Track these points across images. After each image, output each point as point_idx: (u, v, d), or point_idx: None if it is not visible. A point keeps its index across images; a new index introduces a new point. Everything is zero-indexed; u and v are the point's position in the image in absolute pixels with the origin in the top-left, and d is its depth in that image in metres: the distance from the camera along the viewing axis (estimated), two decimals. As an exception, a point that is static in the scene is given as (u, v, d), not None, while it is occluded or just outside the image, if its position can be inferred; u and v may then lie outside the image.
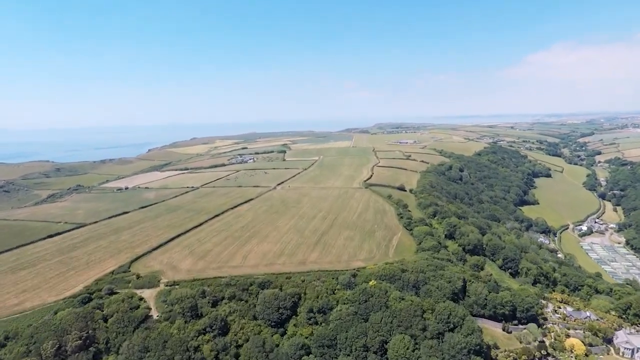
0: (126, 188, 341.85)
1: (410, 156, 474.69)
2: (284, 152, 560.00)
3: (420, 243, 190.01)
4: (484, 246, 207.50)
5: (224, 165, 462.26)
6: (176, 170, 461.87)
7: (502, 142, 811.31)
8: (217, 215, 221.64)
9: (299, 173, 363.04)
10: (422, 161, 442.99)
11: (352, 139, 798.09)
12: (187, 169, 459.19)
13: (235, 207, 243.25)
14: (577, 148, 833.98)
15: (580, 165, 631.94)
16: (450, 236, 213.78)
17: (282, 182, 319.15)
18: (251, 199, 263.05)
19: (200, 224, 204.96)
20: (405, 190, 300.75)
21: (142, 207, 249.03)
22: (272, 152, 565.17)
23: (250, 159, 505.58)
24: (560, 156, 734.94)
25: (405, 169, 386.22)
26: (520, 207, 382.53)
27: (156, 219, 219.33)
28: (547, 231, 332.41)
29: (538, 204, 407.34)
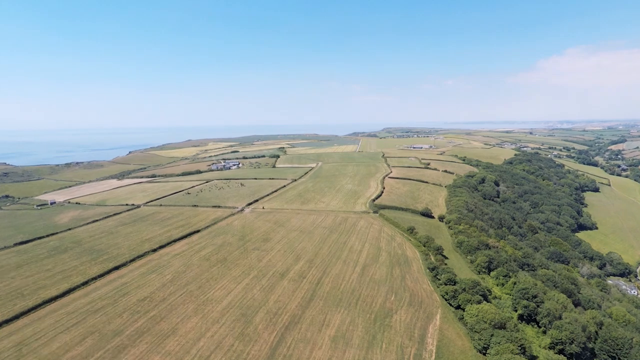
0: (52, 203, 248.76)
1: (429, 164, 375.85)
2: (278, 156, 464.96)
3: (485, 348, 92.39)
4: (595, 341, 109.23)
5: (199, 172, 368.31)
6: (141, 177, 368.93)
7: (525, 148, 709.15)
8: (117, 268, 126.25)
9: (284, 186, 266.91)
10: (446, 171, 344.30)
11: (359, 142, 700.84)
12: (154, 177, 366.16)
13: (164, 246, 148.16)
14: (612, 156, 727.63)
15: (625, 176, 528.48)
16: (530, 317, 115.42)
17: (256, 201, 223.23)
18: (197, 231, 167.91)
19: (69, 291, 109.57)
20: (433, 217, 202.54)
21: (22, 243, 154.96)
22: (263, 156, 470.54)
23: (234, 165, 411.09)
24: (596, 165, 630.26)
25: (427, 182, 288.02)
26: (577, 233, 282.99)
27: (9, 273, 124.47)
28: (626, 272, 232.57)
29: (597, 228, 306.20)
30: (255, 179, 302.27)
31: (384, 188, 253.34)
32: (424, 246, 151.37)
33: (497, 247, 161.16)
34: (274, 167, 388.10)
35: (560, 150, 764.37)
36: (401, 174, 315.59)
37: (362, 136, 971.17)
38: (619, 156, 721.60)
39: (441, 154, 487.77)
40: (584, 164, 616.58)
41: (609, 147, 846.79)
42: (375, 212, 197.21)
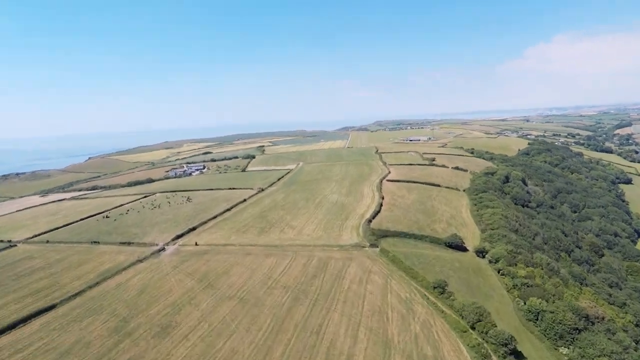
0: None
1: (434, 160, 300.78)
2: (253, 157, 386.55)
3: None
4: None
5: (150, 181, 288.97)
6: (75, 191, 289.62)
7: (529, 136, 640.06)
8: None
9: (244, 200, 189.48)
10: (457, 168, 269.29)
11: (348, 137, 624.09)
12: (95, 189, 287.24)
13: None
14: (623, 141, 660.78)
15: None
16: None
17: (193, 229, 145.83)
18: (53, 306, 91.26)
19: None
20: (464, 248, 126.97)
21: None
22: (235, 157, 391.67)
23: (197, 170, 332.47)
24: (611, 152, 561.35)
25: (438, 185, 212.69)
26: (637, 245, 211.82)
27: None
28: None
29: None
30: (211, 189, 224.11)
31: (382, 198, 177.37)
32: (473, 329, 76.18)
33: (599, 316, 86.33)
34: (243, 170, 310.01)
35: (566, 137, 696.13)
36: (402, 174, 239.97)
37: (352, 130, 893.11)
38: (630, 141, 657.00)
39: (443, 147, 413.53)
40: (597, 150, 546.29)
41: (615, 132, 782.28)
42: (373, 244, 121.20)
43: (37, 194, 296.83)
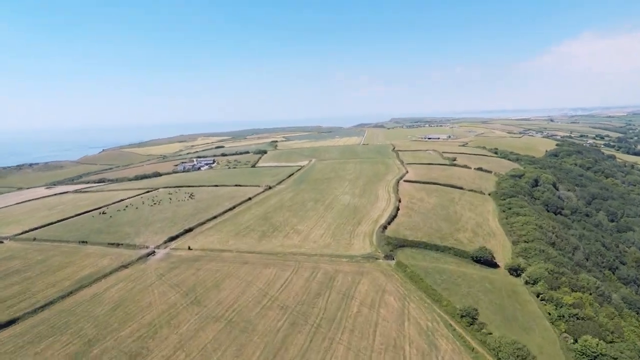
0: None
1: (455, 160, 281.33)
2: (264, 152, 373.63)
3: None
4: None
5: (157, 175, 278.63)
6: (83, 183, 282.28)
7: (555, 136, 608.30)
8: None
9: (249, 198, 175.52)
10: (480, 169, 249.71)
11: (364, 134, 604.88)
12: (102, 181, 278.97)
13: None
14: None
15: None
16: None
17: (190, 230, 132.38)
18: (15, 319, 78.77)
19: None
20: (495, 264, 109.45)
21: None
22: (247, 152, 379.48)
23: (206, 165, 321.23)
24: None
25: (461, 188, 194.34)
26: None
27: None
28: None
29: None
30: (216, 186, 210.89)
31: (399, 201, 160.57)
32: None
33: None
34: (253, 166, 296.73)
35: (594, 138, 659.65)
36: (421, 175, 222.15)
37: (368, 127, 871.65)
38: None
39: (464, 146, 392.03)
40: (630, 153, 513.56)
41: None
42: (388, 255, 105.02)
43: (45, 186, 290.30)
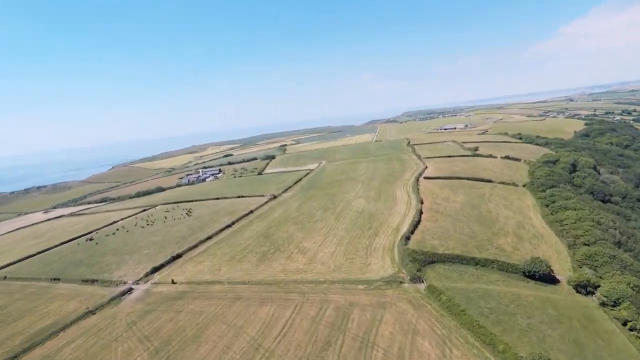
0: None
1: (477, 149, 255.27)
2: (273, 157, 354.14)
3: None
4: None
5: (160, 190, 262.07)
6: (84, 204, 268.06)
7: (577, 116, 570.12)
8: None
9: (251, 212, 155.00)
10: (508, 157, 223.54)
11: (376, 130, 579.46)
12: (103, 202, 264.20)
13: None
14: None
15: None
16: None
17: (178, 257, 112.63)
18: None
19: None
20: (554, 279, 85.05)
21: None
22: (254, 159, 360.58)
23: (211, 175, 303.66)
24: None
25: (490, 181, 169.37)
26: None
27: None
28: None
29: None
30: (217, 198, 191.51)
31: (421, 202, 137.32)
32: None
33: None
34: (259, 174, 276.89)
35: (621, 114, 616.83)
36: (443, 169, 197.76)
37: (380, 123, 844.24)
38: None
39: (484, 133, 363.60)
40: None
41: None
42: (415, 277, 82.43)
43: (44, 210, 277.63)
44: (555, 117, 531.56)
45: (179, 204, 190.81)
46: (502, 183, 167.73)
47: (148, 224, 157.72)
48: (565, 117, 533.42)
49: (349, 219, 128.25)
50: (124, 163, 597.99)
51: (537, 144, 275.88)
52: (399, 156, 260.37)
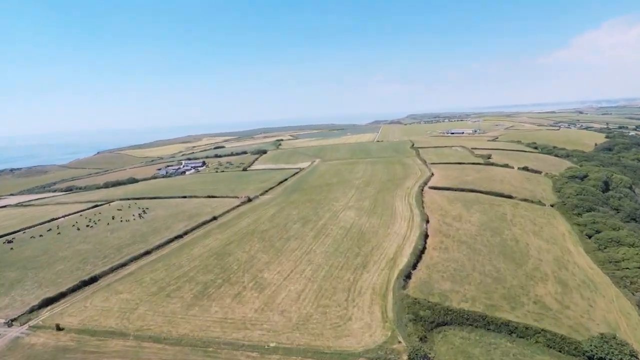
0: None
1: (490, 157, 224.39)
2: (264, 152, 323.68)
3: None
4: None
5: (133, 181, 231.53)
6: (49, 192, 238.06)
7: (591, 128, 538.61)
8: None
9: (214, 218, 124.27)
10: (526, 168, 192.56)
11: (379, 130, 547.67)
12: (69, 190, 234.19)
13: None
14: None
15: None
16: None
17: (93, 280, 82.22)
18: None
19: None
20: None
21: None
22: (244, 153, 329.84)
23: (193, 168, 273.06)
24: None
25: (509, 197, 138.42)
26: None
27: None
28: None
29: None
30: (184, 197, 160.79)
31: (427, 221, 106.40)
32: None
33: None
34: (244, 169, 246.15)
35: (635, 129, 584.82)
36: (452, 178, 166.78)
37: (384, 124, 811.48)
38: None
39: (494, 140, 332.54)
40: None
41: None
42: (418, 351, 51.74)
43: (8, 195, 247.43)
44: (567, 128, 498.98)
45: (138, 201, 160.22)
46: (525, 200, 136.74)
47: (89, 225, 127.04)
48: (579, 129, 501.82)
49: (333, 239, 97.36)
50: (109, 149, 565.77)
51: (556, 155, 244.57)
52: (402, 159, 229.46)
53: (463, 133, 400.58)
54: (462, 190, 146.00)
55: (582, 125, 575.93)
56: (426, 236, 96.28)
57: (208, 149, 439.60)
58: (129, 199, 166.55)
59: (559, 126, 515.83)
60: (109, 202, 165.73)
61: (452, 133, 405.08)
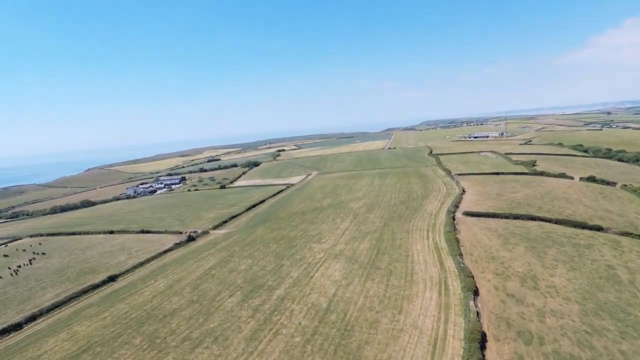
0: None
1: (535, 163, 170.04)
2: (256, 164, 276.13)
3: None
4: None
5: (88, 204, 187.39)
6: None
7: (627, 129, 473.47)
8: None
9: (112, 279, 76.04)
10: (593, 179, 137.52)
11: (391, 137, 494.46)
12: (14, 217, 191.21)
13: None
14: None
15: None
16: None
17: None
18: None
19: None
20: None
21: None
22: (235, 166, 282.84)
23: (166, 186, 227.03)
24: None
25: (601, 229, 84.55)
26: None
27: None
28: None
29: None
30: (111, 232, 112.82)
31: (474, 292, 54.72)
32: None
33: None
34: (223, 187, 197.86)
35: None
36: (493, 197, 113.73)
37: (397, 131, 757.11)
38: None
39: (527, 144, 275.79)
40: None
41: None
42: None
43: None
44: (601, 129, 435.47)
45: (48, 238, 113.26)
46: (627, 234, 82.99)
47: None
48: (623, 129, 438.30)
49: (284, 345, 46.53)
50: (100, 166, 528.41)
51: (620, 160, 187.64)
52: (419, 170, 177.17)
53: (488, 137, 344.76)
54: (517, 217, 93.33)
55: (618, 126, 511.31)
56: (482, 341, 44.70)
57: (201, 163, 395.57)
58: (41, 235, 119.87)
59: (601, 126, 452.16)
60: (16, 239, 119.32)
61: (476, 137, 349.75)
